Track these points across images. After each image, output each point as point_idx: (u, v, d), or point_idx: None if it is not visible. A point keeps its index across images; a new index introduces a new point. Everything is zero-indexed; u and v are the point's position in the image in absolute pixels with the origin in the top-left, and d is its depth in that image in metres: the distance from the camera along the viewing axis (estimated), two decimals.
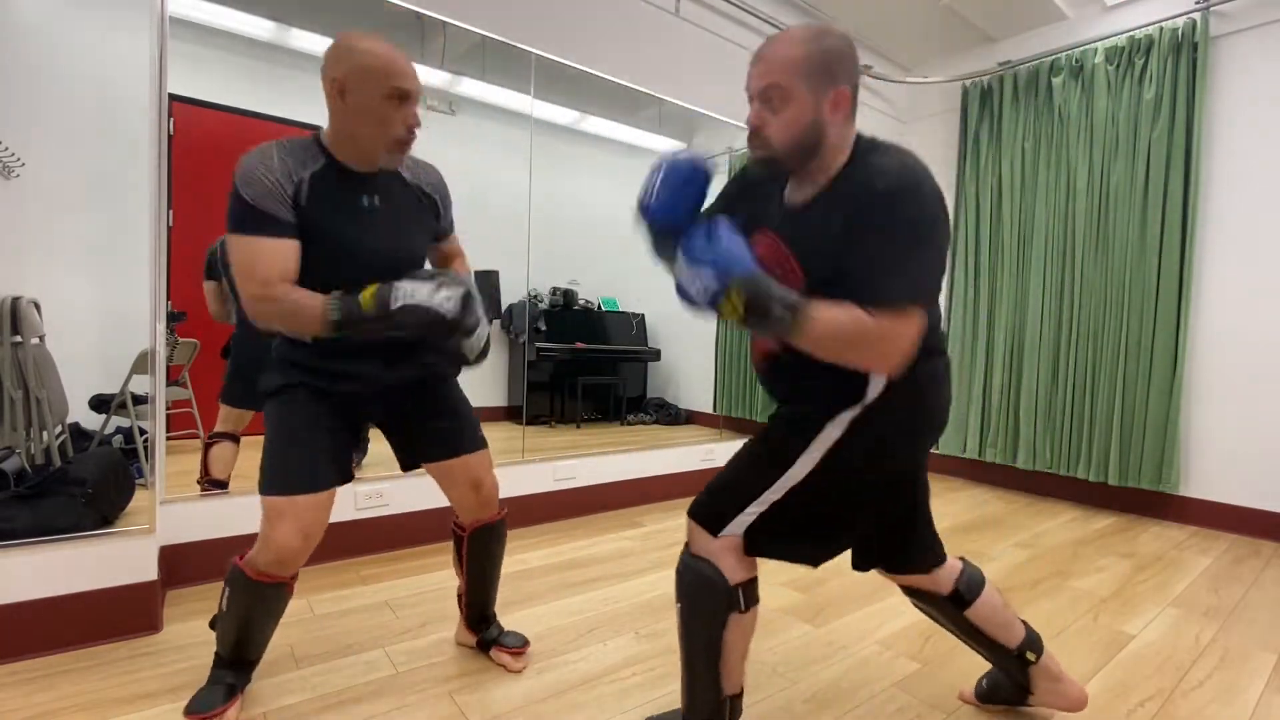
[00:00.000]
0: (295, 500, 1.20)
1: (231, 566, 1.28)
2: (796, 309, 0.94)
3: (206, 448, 2.01)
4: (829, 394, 1.09)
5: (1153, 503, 3.17)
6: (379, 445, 2.85)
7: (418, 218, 1.36)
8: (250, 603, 1.27)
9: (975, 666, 1.60)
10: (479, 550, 1.50)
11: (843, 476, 1.10)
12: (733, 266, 0.95)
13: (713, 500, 1.14)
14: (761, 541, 1.11)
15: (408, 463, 1.46)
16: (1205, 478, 3.03)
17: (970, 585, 1.28)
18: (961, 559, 1.33)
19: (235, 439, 2.02)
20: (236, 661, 1.32)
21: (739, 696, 1.17)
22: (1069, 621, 1.90)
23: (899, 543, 1.25)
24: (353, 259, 1.23)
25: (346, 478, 1.31)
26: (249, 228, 1.17)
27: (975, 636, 1.32)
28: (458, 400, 1.50)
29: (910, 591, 1.34)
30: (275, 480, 1.22)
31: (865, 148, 1.08)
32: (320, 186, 1.21)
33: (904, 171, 1.01)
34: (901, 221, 0.97)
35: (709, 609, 1.11)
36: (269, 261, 1.15)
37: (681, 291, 1.01)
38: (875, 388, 1.07)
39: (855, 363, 1.01)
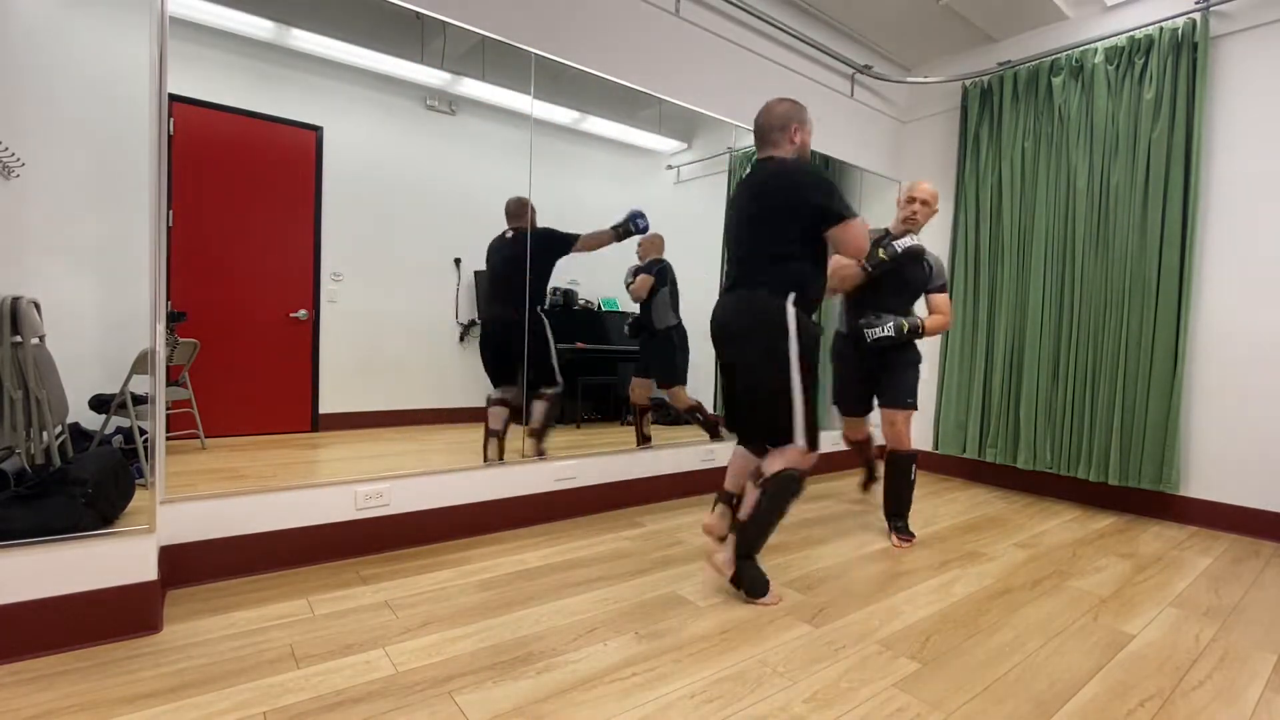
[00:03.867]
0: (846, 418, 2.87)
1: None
2: None
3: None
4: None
5: (1153, 503, 3.17)
6: (395, 445, 2.85)
7: (912, 277, 2.63)
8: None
9: (975, 667, 1.60)
10: (886, 469, 2.67)
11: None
12: None
13: None
14: None
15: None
16: (1205, 478, 3.03)
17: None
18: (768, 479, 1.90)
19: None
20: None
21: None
22: (1069, 621, 1.90)
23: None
24: None
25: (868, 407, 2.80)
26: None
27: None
28: (894, 370, 2.59)
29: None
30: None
31: None
32: None
33: None
34: None
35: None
36: None
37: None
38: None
39: None
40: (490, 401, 2.79)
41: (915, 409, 2.59)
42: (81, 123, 1.91)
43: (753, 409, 1.97)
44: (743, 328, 1.92)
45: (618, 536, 2.54)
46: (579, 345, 3.51)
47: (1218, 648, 1.77)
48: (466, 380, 3.26)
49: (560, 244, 2.91)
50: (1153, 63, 3.08)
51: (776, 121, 1.96)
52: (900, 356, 2.60)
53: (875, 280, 2.51)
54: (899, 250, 2.41)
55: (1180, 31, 3.01)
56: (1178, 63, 3.02)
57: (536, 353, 2.89)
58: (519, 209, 2.82)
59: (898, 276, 2.55)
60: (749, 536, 1.94)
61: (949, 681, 1.53)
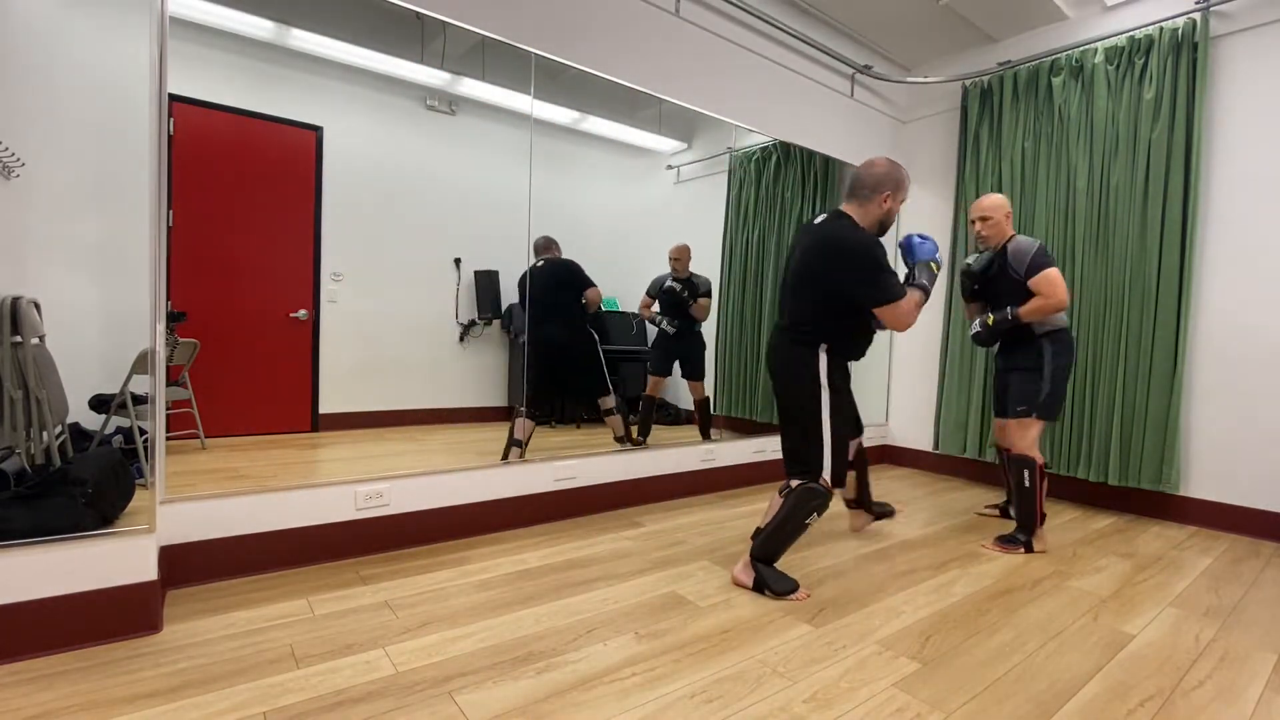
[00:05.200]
0: None
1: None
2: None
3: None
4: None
5: (1153, 503, 3.17)
6: (395, 445, 2.85)
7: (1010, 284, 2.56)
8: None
9: (975, 667, 1.60)
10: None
11: None
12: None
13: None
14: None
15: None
16: (1205, 478, 3.03)
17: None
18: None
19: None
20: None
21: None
22: (1069, 621, 1.90)
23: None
24: None
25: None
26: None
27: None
28: (1015, 375, 2.65)
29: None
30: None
31: None
32: None
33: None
34: None
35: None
36: None
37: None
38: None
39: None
40: (519, 413, 2.88)
41: (1029, 416, 2.54)
42: (81, 123, 1.91)
43: (785, 439, 2.09)
44: (782, 375, 2.08)
45: (618, 536, 2.54)
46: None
47: (1218, 648, 1.77)
48: (466, 380, 3.26)
49: (581, 283, 3.16)
50: (1153, 63, 3.08)
51: (870, 180, 2.01)
52: (1018, 362, 2.62)
53: (987, 302, 2.67)
54: (987, 325, 2.61)
55: (1180, 31, 3.01)
56: (1178, 63, 3.02)
57: (590, 368, 3.20)
58: (547, 244, 3.10)
59: (991, 291, 2.63)
60: (766, 542, 2.03)
61: (949, 681, 1.53)
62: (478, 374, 3.30)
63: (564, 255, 3.14)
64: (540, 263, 3.08)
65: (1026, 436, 2.54)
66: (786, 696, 1.43)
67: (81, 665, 1.44)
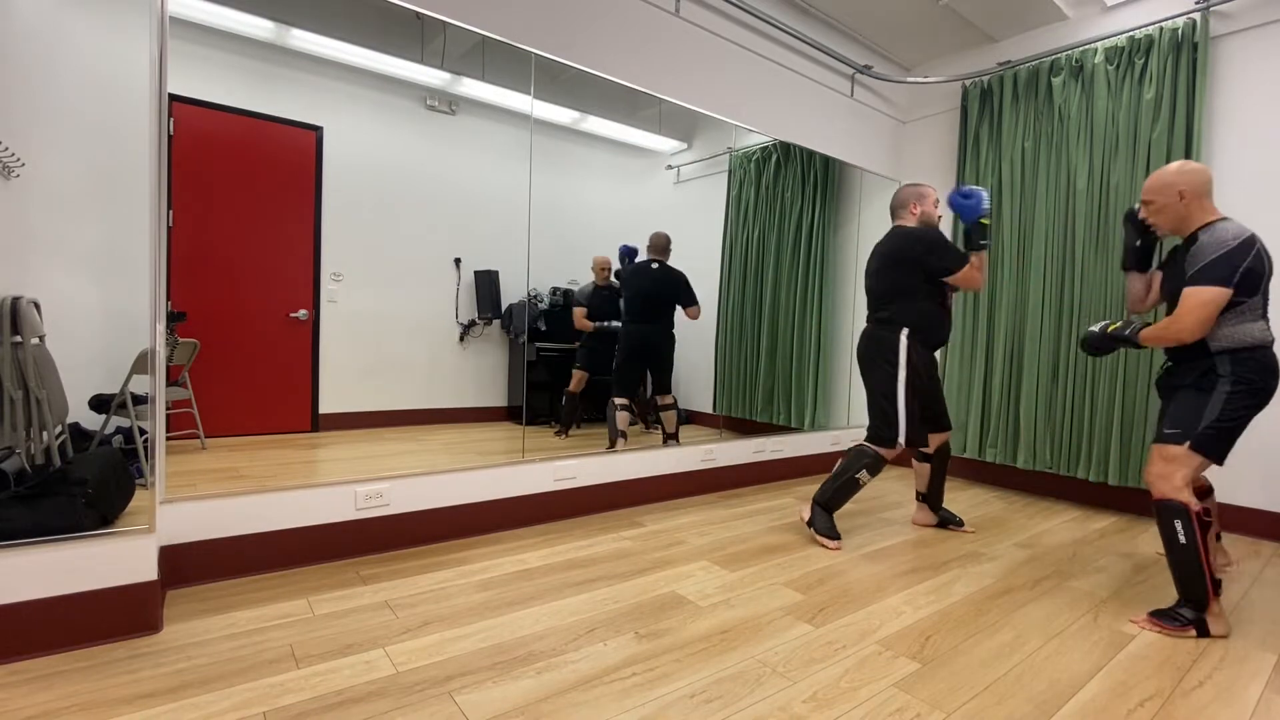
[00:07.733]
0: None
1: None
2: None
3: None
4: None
5: (1153, 503, 3.16)
6: (395, 444, 2.85)
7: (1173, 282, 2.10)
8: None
9: (975, 667, 1.60)
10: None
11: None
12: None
13: None
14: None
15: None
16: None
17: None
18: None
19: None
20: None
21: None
22: (1069, 621, 1.90)
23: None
24: None
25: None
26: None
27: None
28: (1169, 396, 2.04)
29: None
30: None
31: None
32: None
33: None
34: None
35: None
36: None
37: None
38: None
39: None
40: (618, 407, 3.17)
41: (1179, 443, 1.89)
42: (82, 123, 1.91)
43: (871, 412, 2.54)
44: (862, 356, 2.57)
45: (618, 536, 2.54)
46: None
47: (1218, 648, 1.77)
48: (466, 380, 3.26)
49: (687, 297, 3.34)
50: (1153, 63, 3.08)
51: (899, 201, 2.59)
52: (1182, 378, 1.97)
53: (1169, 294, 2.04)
54: (1106, 331, 2.06)
55: (1180, 31, 3.01)
56: (1178, 63, 3.02)
57: (670, 366, 3.40)
58: (665, 245, 3.30)
59: (1166, 285, 2.04)
60: (823, 489, 2.53)
61: (949, 681, 1.53)
62: (478, 374, 3.30)
63: (563, 254, 3.17)
64: (654, 264, 3.27)
65: (1172, 472, 1.87)
66: (786, 696, 1.43)
67: (81, 665, 1.44)
